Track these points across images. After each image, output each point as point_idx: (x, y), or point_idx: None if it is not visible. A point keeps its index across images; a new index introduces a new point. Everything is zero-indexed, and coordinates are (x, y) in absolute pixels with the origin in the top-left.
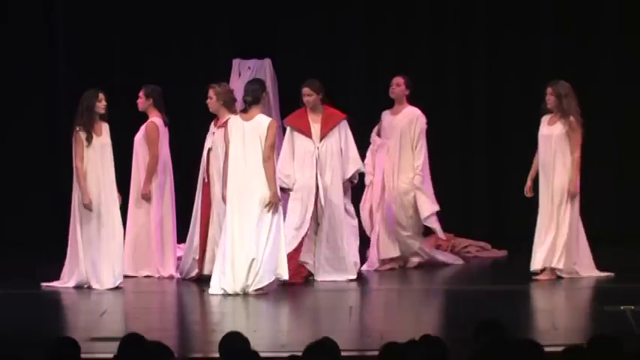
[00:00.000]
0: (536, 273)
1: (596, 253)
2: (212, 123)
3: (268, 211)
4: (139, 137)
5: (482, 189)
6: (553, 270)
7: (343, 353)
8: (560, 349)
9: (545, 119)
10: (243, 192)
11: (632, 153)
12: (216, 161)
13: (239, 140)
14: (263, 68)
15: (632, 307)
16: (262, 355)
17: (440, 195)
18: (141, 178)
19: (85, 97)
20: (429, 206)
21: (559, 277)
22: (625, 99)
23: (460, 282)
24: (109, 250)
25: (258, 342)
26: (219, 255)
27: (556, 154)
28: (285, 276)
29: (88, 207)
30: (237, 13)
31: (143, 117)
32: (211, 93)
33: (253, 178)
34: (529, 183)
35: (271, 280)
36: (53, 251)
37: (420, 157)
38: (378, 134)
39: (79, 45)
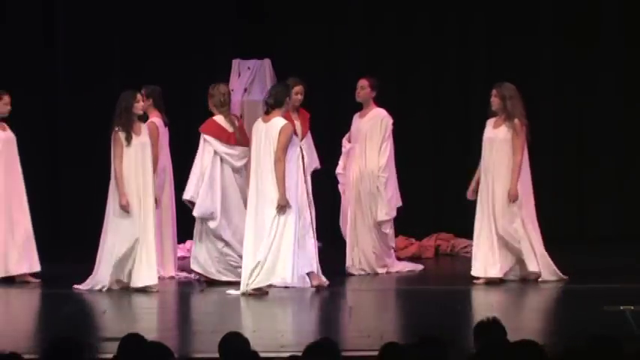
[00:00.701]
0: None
1: (597, 254)
2: None
3: (277, 212)
4: None
5: None
6: (492, 278)
7: (343, 353)
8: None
9: (490, 122)
10: (260, 193)
11: (632, 153)
12: None
13: (257, 142)
14: (263, 68)
15: (632, 307)
16: (262, 355)
17: (439, 195)
18: None
19: (123, 98)
20: (386, 211)
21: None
22: (625, 99)
23: (460, 282)
24: (147, 250)
25: (258, 342)
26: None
27: (500, 157)
28: (289, 279)
29: (124, 208)
30: (237, 13)
31: (143, 117)
32: (208, 96)
33: (266, 179)
34: (473, 185)
35: (269, 282)
36: (53, 251)
37: (383, 159)
38: (349, 139)
39: (79, 45)
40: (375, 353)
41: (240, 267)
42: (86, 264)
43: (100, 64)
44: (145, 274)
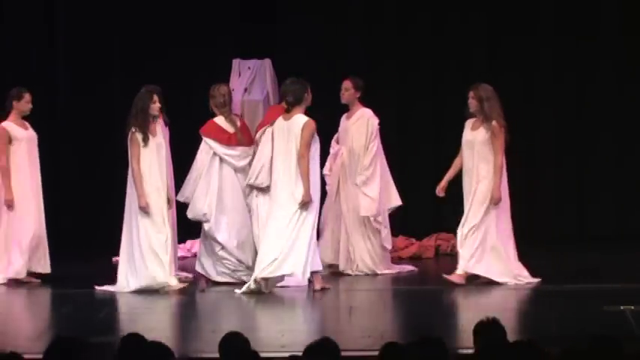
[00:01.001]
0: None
1: (597, 254)
2: None
3: (300, 209)
4: None
5: None
6: (464, 274)
7: (343, 353)
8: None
9: (468, 123)
10: (283, 189)
11: (632, 153)
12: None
13: (281, 140)
14: (263, 68)
15: (632, 307)
16: (262, 355)
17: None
18: None
19: (139, 99)
20: (367, 207)
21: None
22: (625, 99)
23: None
24: (168, 250)
25: (258, 342)
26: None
27: (479, 159)
28: (299, 275)
29: (144, 210)
30: (237, 13)
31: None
32: (209, 96)
33: (288, 176)
34: (443, 183)
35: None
36: (52, 251)
37: (367, 158)
38: (337, 140)
39: (79, 45)
40: (375, 353)
41: (239, 270)
42: (87, 264)
43: (101, 64)
44: (157, 274)
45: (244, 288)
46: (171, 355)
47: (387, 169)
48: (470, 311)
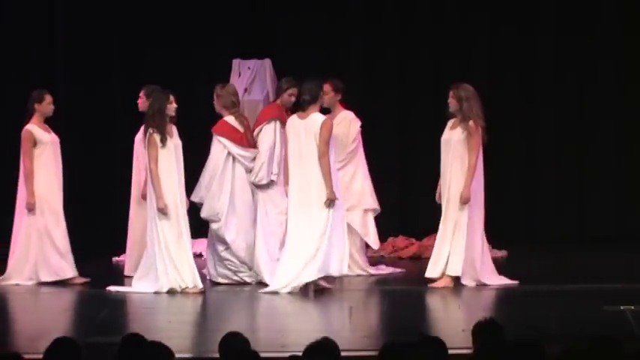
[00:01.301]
0: (432, 280)
1: (597, 254)
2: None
3: (326, 207)
4: (139, 137)
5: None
6: (449, 277)
7: (343, 353)
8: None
9: (449, 123)
10: (302, 190)
11: (632, 153)
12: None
13: (296, 139)
14: (263, 68)
15: (632, 307)
16: (262, 355)
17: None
18: (141, 179)
19: (156, 99)
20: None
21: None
22: (625, 99)
23: (459, 282)
24: (187, 252)
25: (258, 342)
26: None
27: (454, 159)
28: (335, 273)
29: (162, 211)
30: (238, 13)
31: (143, 117)
32: (214, 95)
33: (310, 175)
34: (439, 189)
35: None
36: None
37: (343, 154)
38: None
39: (79, 45)
40: (375, 353)
41: (240, 271)
42: (88, 264)
43: (101, 64)
44: (185, 276)
45: (277, 288)
46: (172, 355)
47: (367, 173)
48: (470, 311)
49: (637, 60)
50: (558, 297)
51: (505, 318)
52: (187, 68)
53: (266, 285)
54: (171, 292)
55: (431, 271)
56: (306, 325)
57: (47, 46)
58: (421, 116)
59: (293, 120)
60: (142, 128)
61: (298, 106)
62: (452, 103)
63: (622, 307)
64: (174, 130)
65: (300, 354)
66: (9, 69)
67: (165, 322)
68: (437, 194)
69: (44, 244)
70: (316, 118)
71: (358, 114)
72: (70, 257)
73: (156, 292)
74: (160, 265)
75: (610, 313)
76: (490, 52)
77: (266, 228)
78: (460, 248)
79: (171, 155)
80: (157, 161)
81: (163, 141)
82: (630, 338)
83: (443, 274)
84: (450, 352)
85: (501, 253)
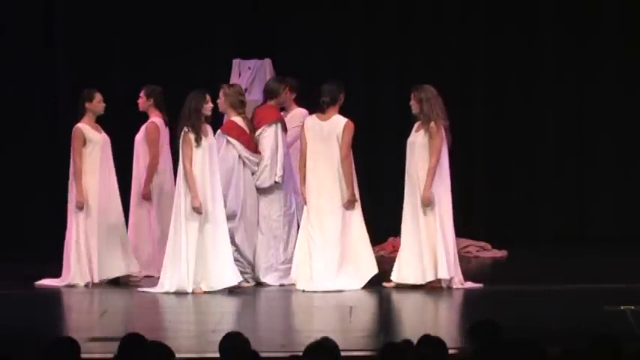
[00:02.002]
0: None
1: (597, 254)
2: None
3: (347, 209)
4: (139, 137)
5: (482, 189)
6: (439, 280)
7: (343, 353)
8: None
9: (415, 125)
10: (321, 191)
11: (632, 153)
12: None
13: (316, 140)
14: (263, 68)
15: (632, 307)
16: (262, 355)
17: None
18: (141, 179)
19: (192, 98)
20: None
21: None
22: (625, 99)
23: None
24: (222, 251)
25: (258, 342)
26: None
27: (418, 161)
28: (376, 270)
29: (197, 210)
30: (238, 13)
31: (143, 117)
32: (221, 94)
33: (330, 177)
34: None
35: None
36: (52, 251)
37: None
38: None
39: (79, 45)
40: (375, 353)
41: (246, 272)
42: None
43: (101, 64)
44: (226, 276)
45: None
46: (172, 355)
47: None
48: (470, 311)
49: (638, 60)
50: (558, 297)
51: (505, 318)
52: (187, 68)
53: (265, 285)
54: (193, 292)
55: (399, 276)
56: (306, 325)
57: (47, 46)
58: None
59: (313, 120)
60: (142, 128)
61: (317, 107)
62: (413, 106)
63: (622, 307)
64: (208, 129)
65: (300, 354)
66: (8, 69)
67: (166, 322)
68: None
69: (88, 243)
70: (339, 120)
71: (357, 115)
72: (120, 255)
73: (177, 292)
74: (182, 265)
75: (610, 313)
76: (490, 52)
77: (266, 232)
78: (441, 251)
79: (204, 154)
80: (192, 160)
81: (198, 140)
82: (630, 338)
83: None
84: (451, 351)
85: (501, 253)
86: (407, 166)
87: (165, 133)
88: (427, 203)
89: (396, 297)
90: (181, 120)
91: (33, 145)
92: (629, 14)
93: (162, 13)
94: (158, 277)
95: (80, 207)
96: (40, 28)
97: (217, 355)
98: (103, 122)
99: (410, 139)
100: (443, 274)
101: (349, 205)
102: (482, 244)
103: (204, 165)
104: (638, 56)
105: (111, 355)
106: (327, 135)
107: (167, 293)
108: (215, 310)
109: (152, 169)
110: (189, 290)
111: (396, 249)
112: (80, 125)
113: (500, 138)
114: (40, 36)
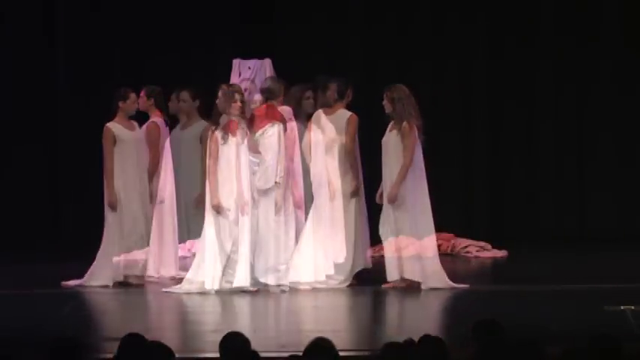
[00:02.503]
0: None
1: (597, 254)
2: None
3: (352, 198)
4: (139, 137)
5: (482, 189)
6: (404, 280)
7: (342, 353)
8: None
9: (389, 125)
10: (324, 186)
11: (632, 153)
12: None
13: (321, 134)
14: (263, 68)
15: (632, 307)
16: (262, 355)
17: (441, 195)
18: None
19: (222, 97)
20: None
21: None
22: (625, 99)
23: (460, 282)
24: (246, 250)
25: (258, 342)
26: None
27: (393, 160)
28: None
29: (216, 208)
30: (238, 13)
31: (144, 117)
32: (220, 94)
33: (333, 171)
34: (381, 189)
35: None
36: (51, 251)
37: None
38: None
39: (79, 45)
40: (375, 353)
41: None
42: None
43: (101, 64)
44: (246, 275)
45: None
46: (172, 355)
47: None
48: (469, 311)
49: (638, 61)
50: (558, 297)
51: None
52: (187, 68)
53: (265, 285)
54: (218, 292)
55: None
56: (306, 325)
57: (47, 46)
58: (421, 116)
59: (319, 116)
60: (143, 128)
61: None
62: (386, 106)
63: (622, 307)
64: (239, 127)
65: (300, 354)
66: (8, 69)
67: (166, 321)
68: (377, 195)
69: (118, 243)
70: (342, 114)
71: (358, 114)
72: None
73: (202, 292)
74: (208, 264)
75: (610, 313)
76: (490, 52)
77: (266, 232)
78: (415, 251)
79: (231, 153)
80: (217, 158)
81: (225, 138)
82: (630, 338)
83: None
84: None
85: (501, 253)
86: (382, 166)
87: (165, 133)
88: (392, 200)
89: (396, 297)
90: (211, 117)
91: (32, 145)
92: (629, 14)
93: (162, 14)
94: (158, 277)
95: (111, 207)
96: (41, 28)
97: (217, 355)
98: (103, 122)
99: (384, 139)
100: (409, 275)
101: (354, 194)
102: (482, 244)
103: (230, 163)
104: (638, 56)
105: (111, 355)
106: (329, 129)
107: (203, 293)
108: (215, 310)
109: (153, 169)
110: (216, 288)
111: (396, 248)
112: (110, 125)
113: (500, 138)
114: (41, 36)
